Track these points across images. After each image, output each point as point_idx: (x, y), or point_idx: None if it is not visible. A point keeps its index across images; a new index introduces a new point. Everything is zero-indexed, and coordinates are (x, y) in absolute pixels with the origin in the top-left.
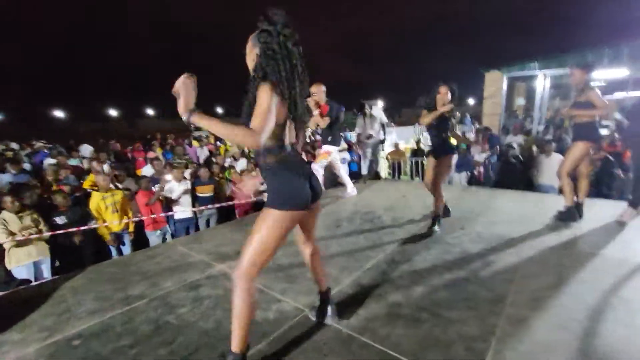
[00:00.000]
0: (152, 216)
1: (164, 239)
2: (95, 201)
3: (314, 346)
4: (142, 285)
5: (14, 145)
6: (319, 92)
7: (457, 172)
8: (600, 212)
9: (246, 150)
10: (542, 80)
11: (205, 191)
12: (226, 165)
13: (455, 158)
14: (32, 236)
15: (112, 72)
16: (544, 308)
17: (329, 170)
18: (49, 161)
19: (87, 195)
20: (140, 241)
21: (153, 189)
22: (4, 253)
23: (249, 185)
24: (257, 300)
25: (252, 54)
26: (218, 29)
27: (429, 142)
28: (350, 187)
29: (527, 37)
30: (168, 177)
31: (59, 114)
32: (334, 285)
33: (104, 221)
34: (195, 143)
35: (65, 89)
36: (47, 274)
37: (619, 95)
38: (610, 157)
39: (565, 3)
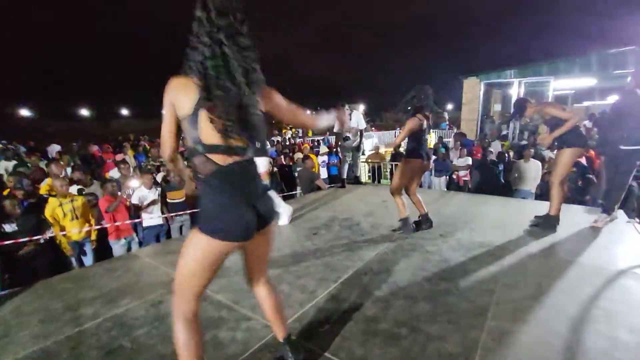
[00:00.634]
0: (116, 224)
1: (129, 249)
2: (52, 207)
3: None
4: (96, 303)
5: None
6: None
7: (436, 176)
8: (575, 217)
9: None
10: (517, 88)
11: (176, 196)
12: None
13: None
14: None
15: (87, 69)
16: (525, 320)
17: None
18: (4, 164)
19: (45, 201)
20: (104, 251)
21: (119, 194)
22: None
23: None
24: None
25: None
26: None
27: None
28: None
29: (504, 43)
30: (133, 182)
31: (25, 112)
32: (309, 299)
33: (63, 229)
34: None
35: (34, 86)
36: None
37: (587, 103)
38: (584, 163)
39: (539, 12)
